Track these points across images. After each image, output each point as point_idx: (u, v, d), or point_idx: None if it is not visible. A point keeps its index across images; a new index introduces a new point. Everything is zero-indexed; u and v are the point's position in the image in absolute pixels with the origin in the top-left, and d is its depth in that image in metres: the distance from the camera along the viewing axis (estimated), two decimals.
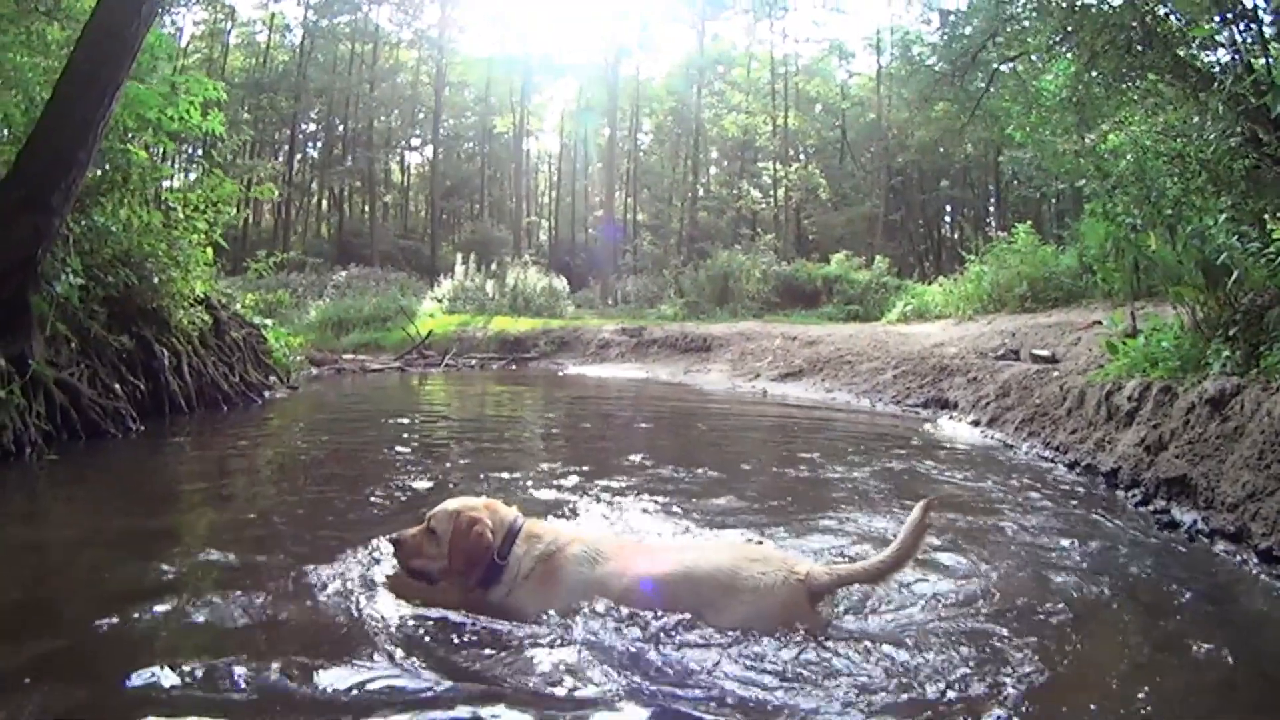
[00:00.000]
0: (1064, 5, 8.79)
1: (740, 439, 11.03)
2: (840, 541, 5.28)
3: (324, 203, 58.67)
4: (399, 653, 3.45)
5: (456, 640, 3.62)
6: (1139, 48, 7.99)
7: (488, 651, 3.51)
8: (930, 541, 5.19)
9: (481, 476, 7.25)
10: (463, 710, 3.03)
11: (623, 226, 52.74)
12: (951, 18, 14.28)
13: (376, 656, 3.41)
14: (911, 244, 47.53)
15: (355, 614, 3.86)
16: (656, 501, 6.29)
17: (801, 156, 53.47)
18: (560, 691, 3.19)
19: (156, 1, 9.15)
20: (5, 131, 9.66)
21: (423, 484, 6.93)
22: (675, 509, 6.01)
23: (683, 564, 3.92)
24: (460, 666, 3.38)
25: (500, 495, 4.51)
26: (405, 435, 10.32)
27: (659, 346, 23.56)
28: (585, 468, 7.85)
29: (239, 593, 4.07)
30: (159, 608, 3.86)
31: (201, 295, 11.40)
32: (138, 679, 3.15)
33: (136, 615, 3.77)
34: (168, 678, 3.16)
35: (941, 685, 3.28)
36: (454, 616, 3.85)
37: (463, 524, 4.18)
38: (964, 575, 4.61)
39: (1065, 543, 5.44)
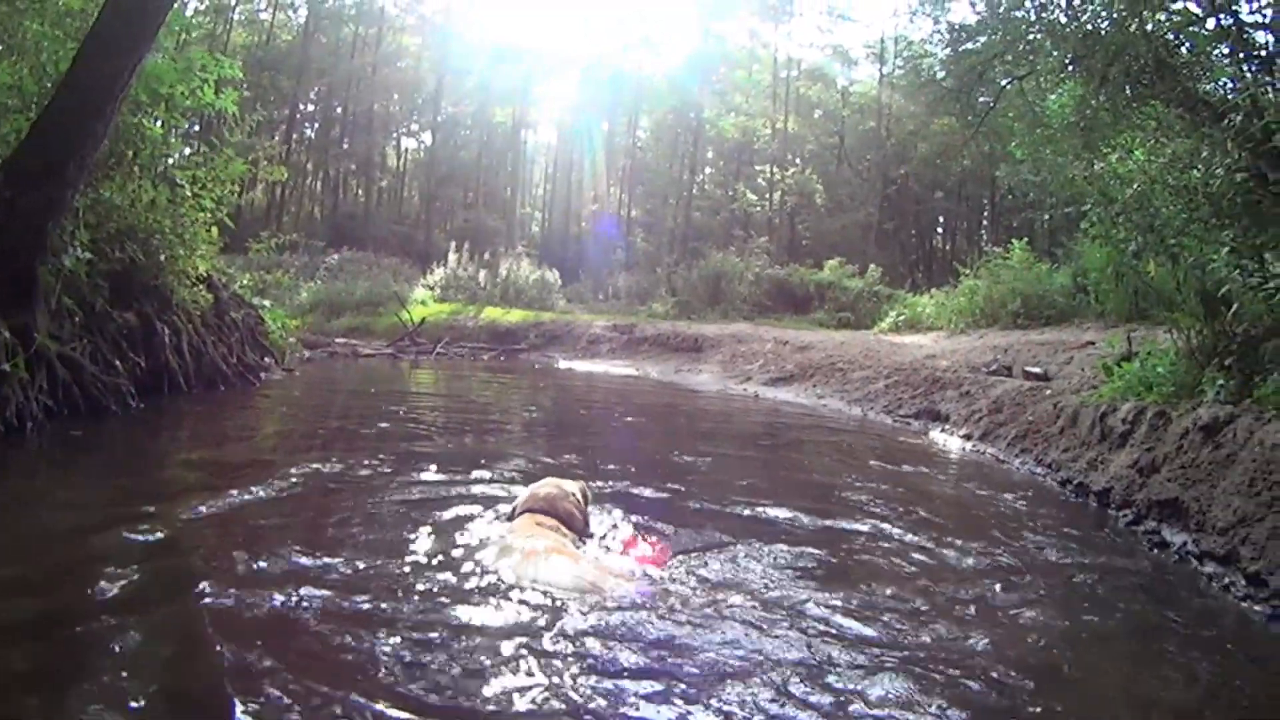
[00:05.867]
0: (1076, 31, 8.88)
1: (734, 441, 11.09)
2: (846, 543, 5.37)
3: (319, 184, 58.44)
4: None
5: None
6: (1148, 76, 8.09)
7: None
8: (926, 549, 5.36)
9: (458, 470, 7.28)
10: None
11: (619, 222, 52.70)
12: (958, 34, 14.32)
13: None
14: (903, 253, 47.51)
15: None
16: (649, 500, 6.44)
17: (798, 161, 53.38)
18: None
19: None
20: (16, 100, 9.62)
21: (414, 473, 7.00)
22: (671, 510, 6.14)
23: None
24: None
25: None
26: (401, 421, 10.42)
27: (650, 344, 23.55)
28: (575, 460, 8.01)
29: (241, 572, 4.22)
30: (162, 585, 4.03)
31: (204, 274, 11.43)
32: (134, 660, 3.29)
33: (144, 595, 3.92)
34: (165, 658, 3.33)
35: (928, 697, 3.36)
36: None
37: None
38: (954, 586, 4.72)
39: (1056, 557, 5.62)
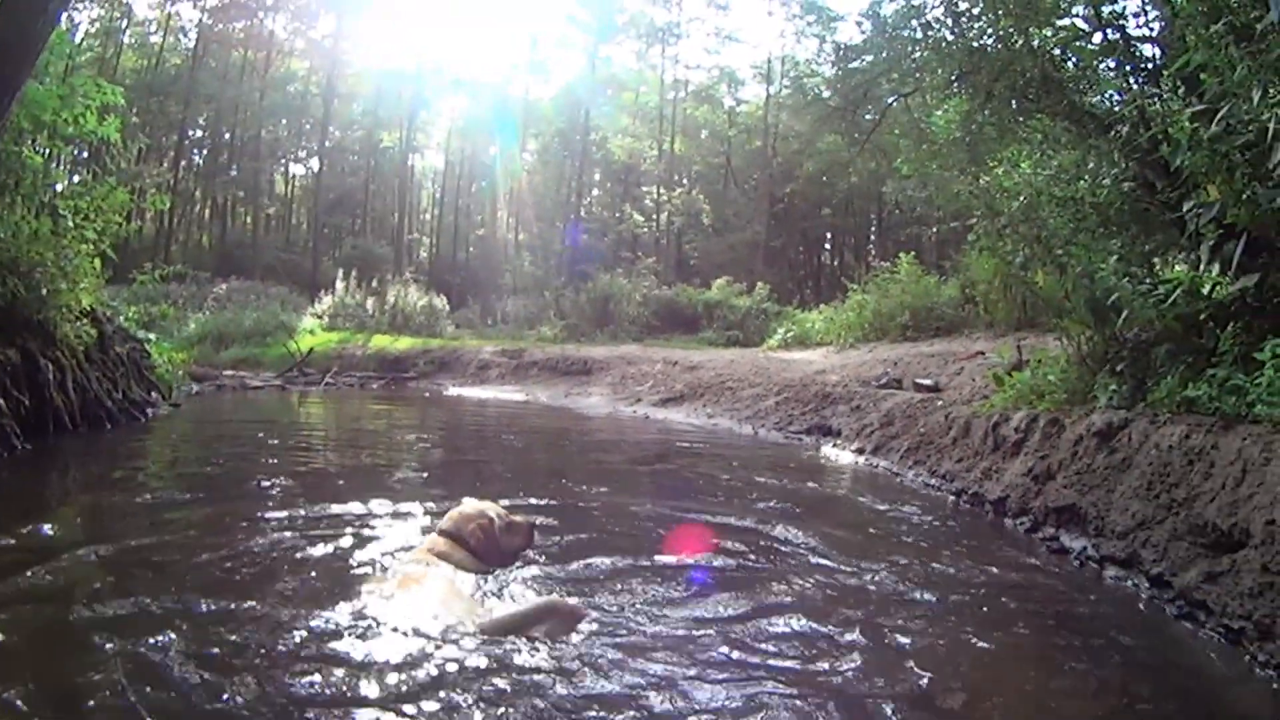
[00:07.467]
0: (962, 48, 9.01)
1: (626, 462, 10.97)
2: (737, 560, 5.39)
3: (207, 212, 57.55)
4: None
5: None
6: (1034, 91, 8.24)
7: None
8: (822, 561, 5.37)
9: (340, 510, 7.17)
10: None
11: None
12: (844, 53, 14.51)
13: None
14: (792, 270, 48.10)
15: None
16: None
17: (685, 181, 53.74)
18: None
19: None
20: None
21: (299, 507, 6.83)
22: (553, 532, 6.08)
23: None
24: None
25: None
26: (289, 454, 10.20)
27: (539, 369, 23.36)
28: (466, 489, 7.90)
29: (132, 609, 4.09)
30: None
31: (88, 307, 11.10)
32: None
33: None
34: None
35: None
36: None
37: None
38: (851, 599, 4.75)
39: (955, 566, 5.65)
